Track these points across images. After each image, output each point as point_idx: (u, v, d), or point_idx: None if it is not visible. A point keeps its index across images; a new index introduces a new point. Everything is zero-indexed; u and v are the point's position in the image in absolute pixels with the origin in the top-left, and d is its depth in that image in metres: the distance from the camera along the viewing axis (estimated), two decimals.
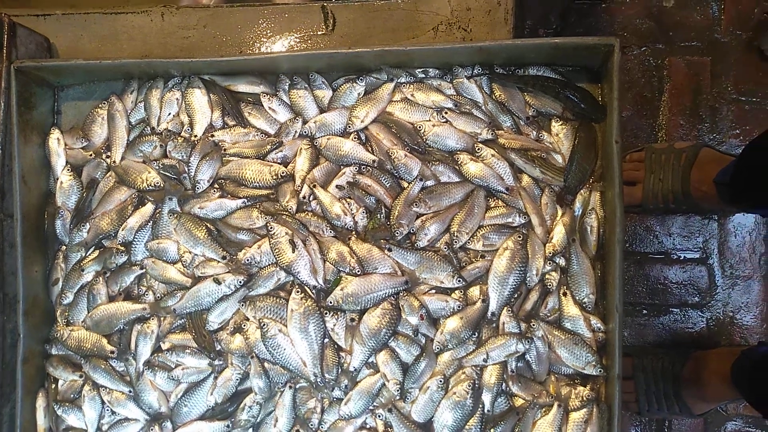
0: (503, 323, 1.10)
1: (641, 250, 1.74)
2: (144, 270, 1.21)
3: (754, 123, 1.67)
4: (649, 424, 1.72)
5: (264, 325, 1.12)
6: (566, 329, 1.11)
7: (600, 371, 1.08)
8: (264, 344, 1.13)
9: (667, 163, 1.56)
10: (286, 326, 1.12)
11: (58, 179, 1.27)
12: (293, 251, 1.12)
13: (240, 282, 1.14)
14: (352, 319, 1.12)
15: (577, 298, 1.11)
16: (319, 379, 1.11)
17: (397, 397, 1.11)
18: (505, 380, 1.10)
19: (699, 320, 1.72)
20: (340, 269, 1.13)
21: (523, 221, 1.12)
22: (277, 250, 1.13)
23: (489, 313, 1.11)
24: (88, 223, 1.24)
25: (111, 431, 1.22)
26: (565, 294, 1.11)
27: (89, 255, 1.25)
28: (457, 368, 1.10)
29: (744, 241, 1.70)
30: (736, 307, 1.71)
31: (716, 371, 1.53)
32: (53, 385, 1.25)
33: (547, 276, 1.12)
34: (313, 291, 1.13)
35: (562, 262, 1.12)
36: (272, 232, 1.13)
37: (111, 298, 1.22)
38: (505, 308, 1.10)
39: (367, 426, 1.15)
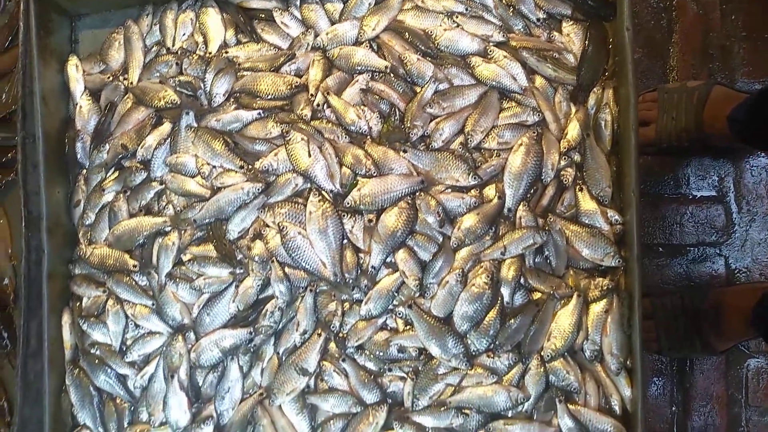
0: (520, 218, 1.11)
1: (656, 191, 1.73)
2: (163, 185, 1.24)
3: (766, 60, 1.66)
4: (671, 364, 1.71)
5: (283, 228, 1.13)
6: (583, 223, 1.11)
7: (619, 262, 1.09)
8: (284, 247, 1.14)
9: (680, 101, 1.57)
10: (305, 230, 1.13)
11: (77, 104, 1.30)
12: (309, 156, 1.13)
13: (258, 189, 1.16)
14: (370, 220, 1.13)
15: (593, 192, 1.12)
16: (339, 279, 1.12)
17: (417, 294, 1.13)
18: (524, 274, 1.11)
19: (717, 259, 1.71)
20: (356, 172, 1.14)
21: (537, 119, 1.13)
22: (293, 155, 1.14)
23: (505, 209, 1.12)
24: (107, 144, 1.27)
25: (135, 345, 1.24)
26: (581, 189, 1.12)
27: (109, 176, 1.28)
28: (475, 263, 1.12)
29: (761, 179, 1.69)
30: (755, 244, 1.70)
31: (737, 308, 1.53)
32: (77, 304, 1.28)
33: (562, 172, 1.13)
34: (330, 195, 1.14)
35: (577, 157, 1.13)
36: (288, 138, 1.14)
37: (132, 215, 1.25)
38: (522, 204, 1.11)
39: (388, 327, 1.16)
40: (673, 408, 1.67)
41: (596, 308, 1.10)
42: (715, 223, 1.70)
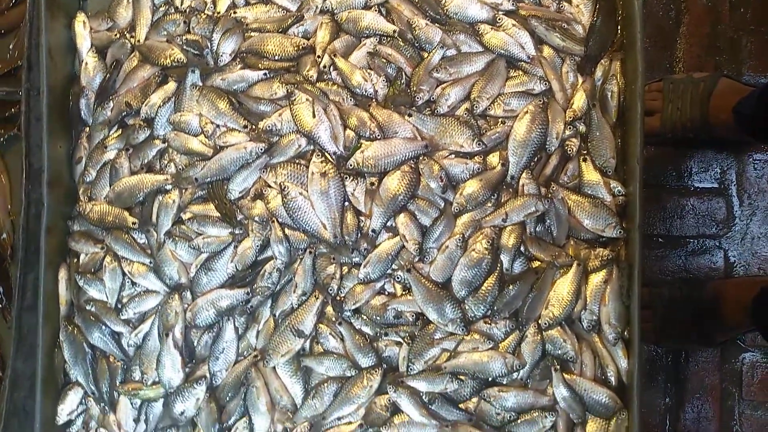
0: (522, 185, 1.11)
1: (658, 182, 1.73)
2: (166, 144, 1.24)
3: None
4: (665, 355, 1.71)
5: (285, 188, 1.13)
6: (586, 194, 1.11)
7: (620, 233, 1.09)
8: (284, 207, 1.14)
9: (686, 92, 1.57)
10: (307, 191, 1.13)
11: (83, 61, 1.30)
12: (314, 117, 1.12)
13: (261, 149, 1.16)
14: (372, 183, 1.13)
15: (597, 163, 1.12)
16: (338, 241, 1.12)
17: (416, 259, 1.12)
18: (524, 242, 1.11)
19: (716, 251, 1.72)
20: (360, 134, 1.14)
21: (543, 88, 1.13)
22: (297, 116, 1.14)
23: (508, 177, 1.12)
24: (111, 102, 1.27)
25: (131, 303, 1.23)
26: (585, 159, 1.12)
27: (112, 133, 1.28)
28: (475, 229, 1.12)
29: (763, 172, 1.69)
30: (755, 238, 1.70)
31: (736, 300, 1.53)
32: (75, 260, 1.27)
33: (567, 142, 1.13)
34: (333, 157, 1.14)
35: (582, 128, 1.13)
36: (293, 98, 1.14)
37: (133, 173, 1.25)
38: (525, 172, 1.11)
39: (386, 292, 1.16)
40: (667, 399, 1.67)
41: (595, 278, 1.09)
42: (716, 216, 1.70)
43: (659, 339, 1.63)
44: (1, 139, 1.38)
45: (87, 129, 1.29)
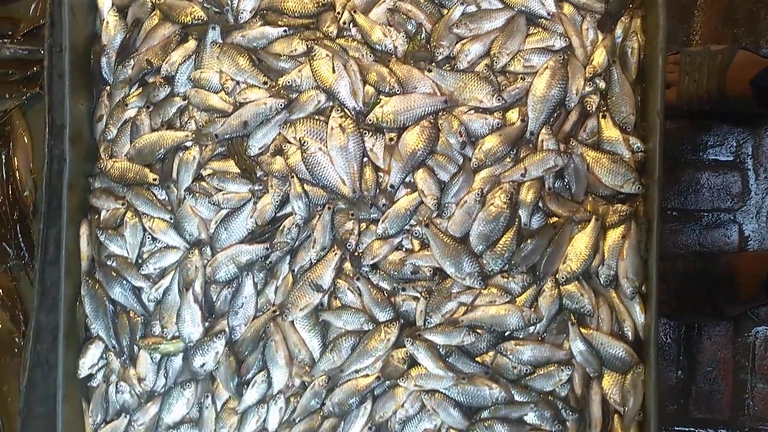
0: (542, 141, 1.11)
1: (673, 155, 1.73)
2: (186, 101, 1.24)
3: None
4: (678, 329, 1.71)
5: (304, 143, 1.14)
6: (605, 150, 1.11)
7: (639, 189, 1.09)
8: (304, 162, 1.15)
9: (703, 64, 1.56)
10: (326, 146, 1.13)
11: (104, 20, 1.31)
12: (333, 72, 1.13)
13: (281, 105, 1.16)
14: (391, 139, 1.14)
15: (616, 119, 1.12)
16: (357, 196, 1.13)
17: (435, 214, 1.13)
18: (542, 198, 1.11)
19: (731, 225, 1.71)
20: (380, 90, 1.15)
21: (563, 44, 1.13)
22: (317, 71, 1.15)
23: (527, 133, 1.13)
24: (132, 60, 1.28)
25: (151, 258, 1.25)
26: (604, 116, 1.12)
27: (133, 91, 1.29)
28: (494, 184, 1.12)
29: None
30: None
31: (750, 273, 1.53)
32: (96, 216, 1.29)
33: (586, 99, 1.13)
34: (353, 113, 1.14)
35: (602, 84, 1.13)
36: (313, 54, 1.15)
37: (154, 130, 1.25)
38: (544, 127, 1.11)
39: (404, 248, 1.17)
40: (679, 372, 1.68)
41: (613, 234, 1.10)
42: (731, 190, 1.70)
43: (672, 312, 1.63)
44: (24, 98, 1.39)
45: (108, 87, 1.30)
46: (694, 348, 1.71)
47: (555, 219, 1.12)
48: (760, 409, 1.63)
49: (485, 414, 1.10)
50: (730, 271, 1.56)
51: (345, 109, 1.15)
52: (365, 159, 1.15)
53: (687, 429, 1.68)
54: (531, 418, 1.09)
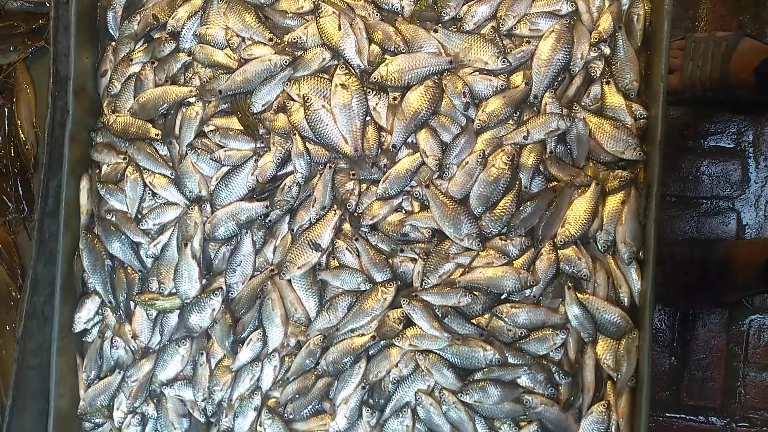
0: (545, 104, 1.11)
1: (674, 141, 1.72)
2: (191, 57, 1.25)
3: None
4: (673, 315, 1.71)
5: (308, 99, 1.14)
6: (607, 116, 1.11)
7: (640, 155, 1.09)
8: (307, 119, 1.15)
9: (707, 50, 1.56)
10: (329, 104, 1.13)
11: None
12: (339, 30, 1.13)
13: (285, 62, 1.16)
14: (395, 98, 1.14)
15: (620, 85, 1.13)
16: (358, 154, 1.13)
17: (435, 175, 1.13)
18: (543, 162, 1.11)
19: (729, 213, 1.71)
20: (385, 49, 1.14)
21: (570, 9, 1.14)
22: (323, 29, 1.15)
23: (531, 96, 1.12)
24: (138, 15, 1.28)
25: (151, 214, 1.25)
26: (608, 83, 1.12)
27: (138, 47, 1.29)
28: (496, 147, 1.12)
29: None
30: None
31: (747, 260, 1.53)
32: (97, 171, 1.29)
33: (591, 64, 1.14)
34: (357, 71, 1.14)
35: (606, 50, 1.13)
36: (319, 11, 1.15)
37: (157, 86, 1.25)
38: (548, 91, 1.11)
39: (403, 210, 1.17)
40: (672, 359, 1.68)
41: (613, 200, 1.10)
42: (731, 178, 1.70)
43: (668, 298, 1.63)
44: (29, 52, 1.39)
45: (113, 43, 1.31)
46: (688, 335, 1.70)
47: (555, 183, 1.12)
48: (752, 398, 1.63)
49: (478, 375, 1.10)
50: (727, 258, 1.56)
51: (350, 67, 1.15)
52: (368, 118, 1.15)
53: (678, 415, 1.68)
54: (524, 380, 1.10)
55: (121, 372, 1.26)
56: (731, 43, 1.53)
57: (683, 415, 1.68)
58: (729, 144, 1.71)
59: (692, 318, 1.69)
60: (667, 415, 1.70)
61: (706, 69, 1.54)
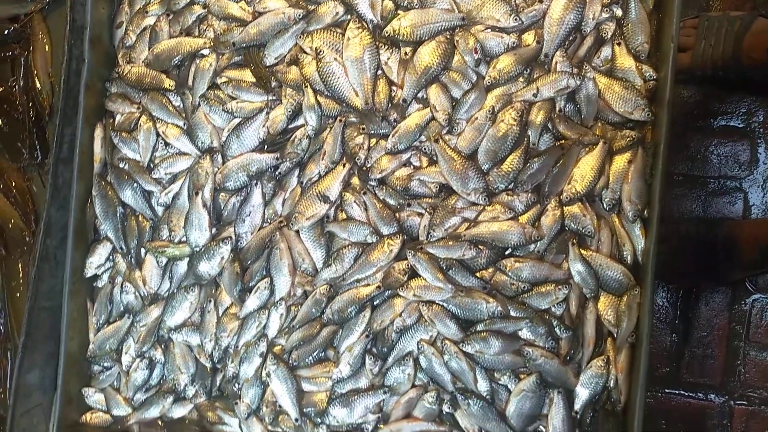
0: (555, 63, 1.12)
1: (683, 120, 1.72)
2: (206, 10, 1.26)
3: None
4: (676, 292, 1.72)
5: (320, 52, 1.16)
6: (617, 77, 1.12)
7: (648, 116, 1.10)
8: (318, 72, 1.17)
9: (721, 29, 1.56)
10: (341, 57, 1.15)
11: None
12: None
13: (299, 15, 1.18)
14: (406, 53, 1.15)
15: (630, 47, 1.14)
16: (369, 107, 1.15)
17: (445, 130, 1.15)
18: (552, 120, 1.12)
19: (736, 193, 1.71)
20: (398, 4, 1.16)
21: None
22: None
23: (542, 55, 1.14)
24: None
25: (163, 163, 1.27)
26: (619, 44, 1.13)
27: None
28: (506, 103, 1.14)
29: None
30: None
31: (753, 239, 1.54)
32: (111, 120, 1.32)
33: (602, 25, 1.14)
34: (370, 25, 1.16)
35: (618, 12, 1.14)
36: None
37: (172, 38, 1.27)
38: (559, 50, 1.12)
39: (411, 165, 1.19)
40: (674, 336, 1.69)
41: (620, 159, 1.12)
42: (739, 158, 1.70)
43: (672, 275, 1.65)
44: (45, 2, 1.41)
45: None
46: (690, 313, 1.72)
47: (563, 141, 1.14)
48: (751, 377, 1.64)
49: (480, 327, 1.13)
50: (733, 237, 1.57)
51: (362, 22, 1.16)
52: (379, 72, 1.17)
53: (678, 392, 1.70)
54: (525, 333, 1.12)
55: (131, 317, 1.29)
56: (745, 22, 1.53)
57: (682, 392, 1.69)
58: (739, 124, 1.71)
59: (695, 296, 1.70)
60: (667, 391, 1.72)
61: (719, 48, 1.54)
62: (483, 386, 1.13)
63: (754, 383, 1.64)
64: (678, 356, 1.71)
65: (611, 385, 1.11)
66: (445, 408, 1.16)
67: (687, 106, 1.73)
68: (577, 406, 1.12)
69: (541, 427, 1.14)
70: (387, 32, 1.15)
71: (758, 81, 1.62)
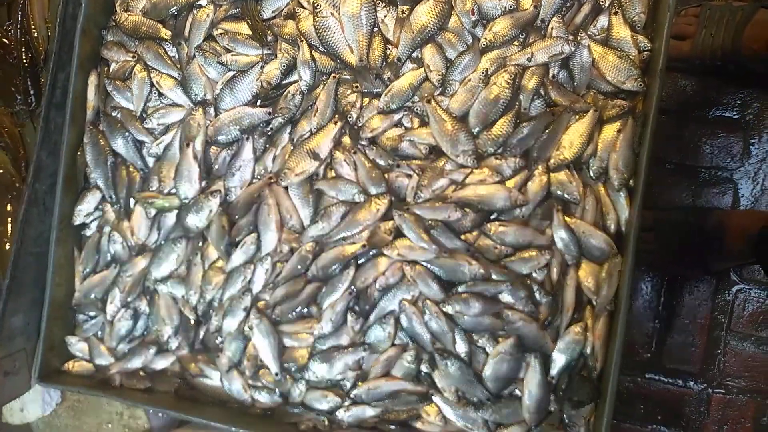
0: (551, 29, 1.12)
1: (678, 109, 1.73)
2: None
3: None
4: (661, 280, 1.73)
5: (317, 6, 1.16)
6: (612, 46, 1.12)
7: (641, 86, 1.11)
8: (315, 26, 1.17)
9: (722, 18, 1.56)
10: (339, 12, 1.15)
11: None
12: None
13: None
14: (403, 12, 1.15)
15: (627, 16, 1.14)
16: (363, 64, 1.15)
17: (437, 91, 1.15)
18: (545, 86, 1.13)
19: (727, 184, 1.72)
20: None
21: None
22: None
23: (539, 20, 1.14)
24: None
25: (156, 113, 1.28)
26: (616, 13, 1.14)
27: None
28: (500, 66, 1.14)
29: None
30: (767, 175, 1.70)
31: (741, 229, 1.54)
32: (106, 68, 1.32)
33: None
34: None
35: None
36: None
37: None
38: (556, 16, 1.12)
39: (403, 126, 1.19)
40: (656, 322, 1.70)
41: (610, 128, 1.12)
42: (732, 149, 1.70)
43: (658, 262, 1.66)
44: None
45: None
46: (674, 300, 1.73)
47: (554, 108, 1.14)
48: (730, 365, 1.66)
49: (461, 288, 1.14)
50: (721, 225, 1.58)
51: None
52: (375, 29, 1.17)
53: (657, 377, 1.71)
54: (505, 297, 1.13)
55: (117, 267, 1.30)
56: (747, 12, 1.53)
57: (662, 378, 1.71)
58: (734, 115, 1.72)
59: (680, 284, 1.71)
60: (647, 376, 1.73)
61: (719, 38, 1.54)
62: (461, 347, 1.14)
63: (732, 372, 1.66)
64: (660, 342, 1.72)
65: (588, 352, 1.12)
66: (424, 368, 1.17)
67: (684, 95, 1.73)
68: (553, 372, 1.13)
69: (516, 390, 1.15)
70: None
71: (757, 72, 1.62)
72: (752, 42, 1.51)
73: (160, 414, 1.37)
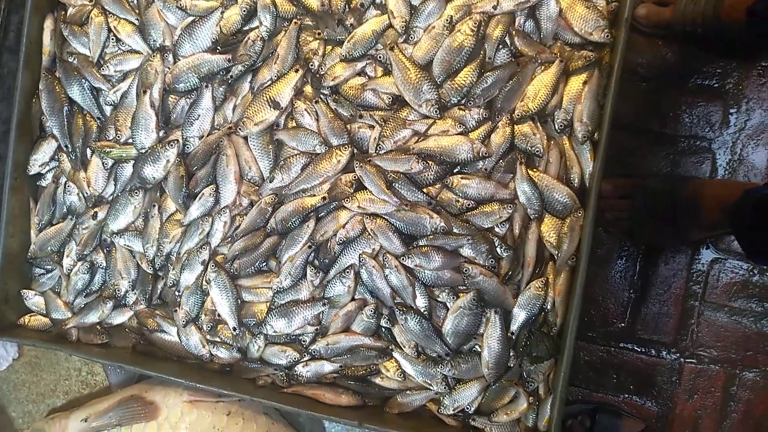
0: None
1: (658, 77, 1.71)
2: None
3: None
4: (637, 250, 1.73)
5: None
6: None
7: (608, 37, 1.09)
8: None
9: None
10: None
11: None
12: None
13: None
14: None
15: None
16: (325, 8, 1.12)
17: (401, 39, 1.12)
18: (510, 35, 1.11)
19: (705, 154, 1.71)
20: None
21: None
22: None
23: None
24: None
25: (113, 60, 1.25)
26: None
27: None
28: (465, 14, 1.12)
29: (765, 80, 1.67)
30: (745, 145, 1.69)
31: (717, 199, 1.53)
32: (62, 13, 1.28)
33: None
34: None
35: None
36: None
37: None
38: None
39: (366, 75, 1.17)
40: (631, 292, 1.71)
41: (576, 80, 1.11)
42: (711, 119, 1.69)
43: (634, 231, 1.65)
44: None
45: None
46: (649, 270, 1.73)
47: (519, 58, 1.12)
48: (703, 335, 1.66)
49: (422, 242, 1.13)
50: (697, 194, 1.57)
51: None
52: None
53: (630, 347, 1.72)
54: (466, 251, 1.12)
55: (73, 219, 1.28)
56: None
57: (635, 347, 1.72)
58: (713, 84, 1.71)
59: (656, 254, 1.72)
60: (620, 346, 1.74)
61: (700, 4, 1.53)
62: (421, 302, 1.14)
63: (705, 342, 1.67)
64: (634, 312, 1.73)
65: (548, 307, 1.12)
66: (383, 323, 1.17)
67: (664, 63, 1.72)
68: (513, 327, 1.13)
69: (476, 346, 1.15)
70: None
71: (737, 41, 1.61)
72: (732, 10, 1.50)
73: (118, 369, 1.36)
